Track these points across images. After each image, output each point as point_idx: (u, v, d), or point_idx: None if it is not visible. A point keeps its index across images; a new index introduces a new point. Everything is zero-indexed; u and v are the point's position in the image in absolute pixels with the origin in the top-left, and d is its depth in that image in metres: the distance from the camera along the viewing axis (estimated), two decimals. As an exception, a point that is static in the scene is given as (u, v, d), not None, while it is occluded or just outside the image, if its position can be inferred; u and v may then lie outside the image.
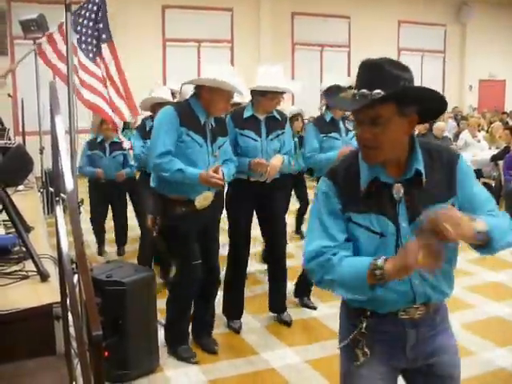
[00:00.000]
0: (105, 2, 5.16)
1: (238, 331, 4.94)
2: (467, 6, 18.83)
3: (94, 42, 5.10)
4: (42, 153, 8.85)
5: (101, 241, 7.31)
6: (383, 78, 1.98)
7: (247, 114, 4.81)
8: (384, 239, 2.08)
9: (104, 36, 5.13)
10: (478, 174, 9.78)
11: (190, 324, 4.58)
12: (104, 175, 6.85)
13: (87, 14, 5.10)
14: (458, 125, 13.63)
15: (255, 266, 6.74)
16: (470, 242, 1.99)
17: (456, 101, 18.50)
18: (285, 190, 6.88)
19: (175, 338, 4.45)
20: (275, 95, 4.71)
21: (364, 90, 2.00)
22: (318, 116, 5.70)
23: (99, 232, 7.30)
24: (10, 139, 5.92)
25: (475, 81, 19.57)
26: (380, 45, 17.46)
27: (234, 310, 5.00)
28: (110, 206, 7.33)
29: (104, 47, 5.14)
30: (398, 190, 2.07)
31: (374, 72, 2.02)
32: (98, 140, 6.99)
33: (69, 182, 1.86)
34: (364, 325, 2.17)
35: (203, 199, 4.21)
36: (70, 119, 4.18)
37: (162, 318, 4.77)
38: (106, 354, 3.84)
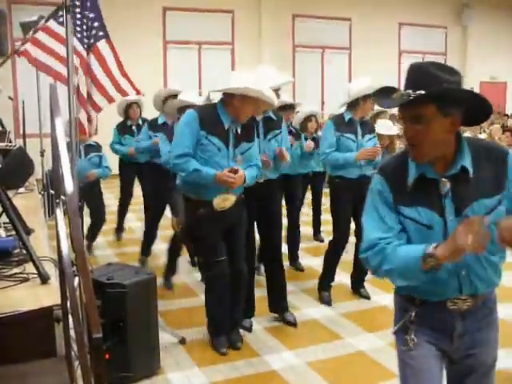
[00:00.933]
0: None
1: (249, 330, 4.97)
2: (468, 9, 18.83)
3: (88, 34, 4.95)
4: (42, 155, 8.86)
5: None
6: (426, 80, 2.09)
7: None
8: (432, 231, 2.21)
9: (101, 33, 4.96)
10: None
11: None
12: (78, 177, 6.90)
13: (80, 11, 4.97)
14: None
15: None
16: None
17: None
18: (295, 190, 6.93)
19: (214, 329, 4.63)
20: (276, 93, 4.75)
21: (409, 91, 2.11)
22: (338, 114, 5.73)
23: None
24: (10, 141, 5.92)
25: (476, 83, 19.56)
26: (381, 47, 17.51)
27: (246, 308, 5.00)
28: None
29: (101, 44, 4.97)
30: (444, 185, 2.20)
31: (419, 74, 2.14)
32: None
33: (69, 185, 1.86)
34: (413, 313, 2.34)
35: (222, 200, 4.31)
36: (71, 121, 4.18)
37: (162, 320, 4.78)
38: (107, 356, 3.84)
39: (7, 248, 2.88)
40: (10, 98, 10.35)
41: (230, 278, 4.56)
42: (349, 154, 5.39)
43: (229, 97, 4.31)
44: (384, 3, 17.40)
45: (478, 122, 2.33)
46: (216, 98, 4.59)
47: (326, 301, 5.65)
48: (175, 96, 6.18)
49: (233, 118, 4.35)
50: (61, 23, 4.87)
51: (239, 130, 4.41)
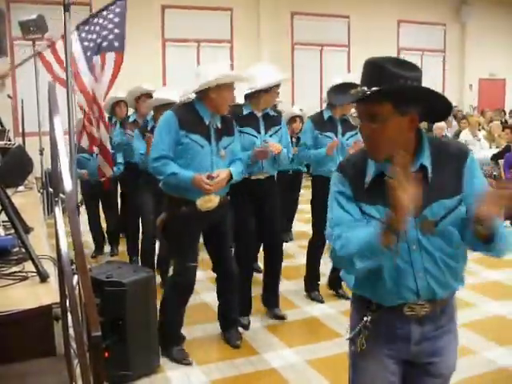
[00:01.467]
0: (125, 8, 4.98)
1: (247, 328, 4.98)
2: (467, 6, 18.80)
3: (99, 41, 4.91)
4: (41, 153, 8.85)
5: (97, 241, 7.35)
6: (381, 77, 2.01)
7: (246, 111, 4.91)
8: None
9: (117, 44, 4.91)
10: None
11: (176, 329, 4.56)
12: (90, 176, 6.89)
13: (105, 19, 4.92)
14: (459, 124, 13.61)
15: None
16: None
17: (456, 100, 18.48)
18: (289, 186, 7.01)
19: (169, 340, 4.46)
20: (276, 89, 4.92)
21: (364, 88, 2.05)
22: (317, 113, 5.76)
23: (95, 232, 7.35)
24: (9, 140, 5.91)
25: (475, 80, 19.55)
26: (379, 44, 17.44)
27: (243, 306, 5.01)
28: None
29: (109, 56, 4.93)
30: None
31: (375, 70, 2.06)
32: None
33: (67, 183, 1.86)
34: (369, 318, 2.22)
35: (205, 201, 4.25)
36: (70, 120, 4.18)
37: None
38: (106, 354, 3.84)
39: (6, 246, 2.88)
40: (9, 96, 10.33)
41: (219, 279, 4.67)
42: (319, 150, 5.43)
43: (203, 91, 4.26)
44: (382, 1, 17.37)
45: (439, 119, 2.29)
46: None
47: (318, 300, 5.67)
48: (148, 95, 6.20)
49: (213, 112, 4.31)
50: (80, 39, 4.89)
51: (219, 125, 4.38)
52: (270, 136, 4.95)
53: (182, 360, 4.38)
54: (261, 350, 4.56)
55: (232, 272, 4.64)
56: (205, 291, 5.87)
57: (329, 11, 16.64)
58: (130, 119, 6.63)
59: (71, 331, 2.17)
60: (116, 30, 4.89)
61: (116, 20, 4.85)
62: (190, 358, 4.41)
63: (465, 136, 11.37)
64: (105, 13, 4.88)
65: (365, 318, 2.24)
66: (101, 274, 3.99)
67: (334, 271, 5.68)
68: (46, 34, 7.31)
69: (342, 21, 17.22)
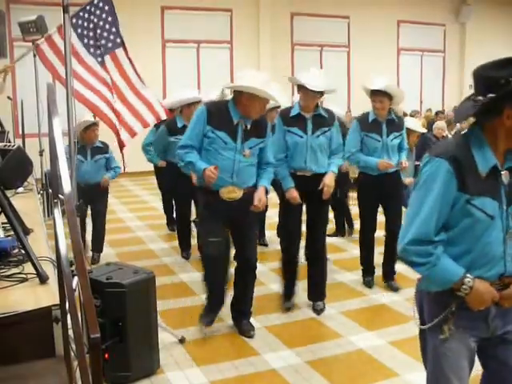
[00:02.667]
0: (112, 5, 5.01)
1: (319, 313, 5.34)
2: (467, 6, 18.82)
3: (103, 43, 4.92)
4: (41, 155, 8.85)
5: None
6: (485, 84, 2.23)
7: (294, 112, 5.21)
8: (492, 222, 2.28)
9: (119, 40, 5.00)
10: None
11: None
12: (80, 180, 6.79)
13: (95, 16, 4.94)
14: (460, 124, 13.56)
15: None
16: None
17: (456, 100, 18.49)
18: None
19: (207, 302, 4.97)
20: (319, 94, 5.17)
21: (479, 97, 2.25)
22: (363, 114, 5.89)
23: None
24: (9, 141, 5.92)
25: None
26: (379, 45, 17.50)
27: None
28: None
29: (119, 52, 5.01)
30: (506, 176, 2.30)
31: (477, 79, 2.28)
32: (78, 146, 6.81)
33: (66, 184, 1.86)
34: (454, 305, 2.36)
35: (227, 192, 4.59)
36: (69, 121, 4.17)
37: (161, 319, 4.79)
38: (107, 356, 3.84)
39: (6, 248, 2.88)
40: (8, 97, 10.33)
41: (238, 268, 4.91)
42: (371, 159, 5.64)
43: (238, 94, 4.56)
44: (382, 1, 17.37)
45: None
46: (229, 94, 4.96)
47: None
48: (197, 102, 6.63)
49: (243, 115, 4.58)
50: (75, 32, 4.88)
51: (249, 126, 4.62)
52: (317, 136, 5.16)
53: (204, 320, 4.87)
54: (261, 351, 4.56)
55: (251, 264, 4.90)
56: (204, 293, 5.85)
57: (328, 12, 16.66)
58: (179, 124, 6.72)
59: (71, 333, 2.17)
60: (113, 29, 4.96)
61: (109, 19, 4.89)
62: (193, 360, 4.40)
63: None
64: (93, 9, 4.87)
65: (451, 306, 2.37)
66: (101, 275, 3.98)
67: (388, 264, 5.96)
68: (45, 34, 7.30)
69: (342, 21, 17.23)
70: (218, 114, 4.57)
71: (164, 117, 5.28)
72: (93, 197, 6.70)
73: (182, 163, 4.80)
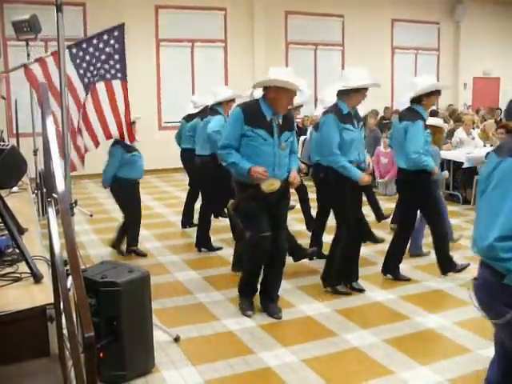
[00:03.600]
0: (123, 38, 5.12)
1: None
2: (461, 4, 18.82)
3: (102, 72, 4.99)
4: (35, 154, 8.85)
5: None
6: None
7: (345, 111, 5.51)
8: None
9: (119, 75, 5.06)
10: (474, 171, 9.79)
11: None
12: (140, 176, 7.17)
13: (100, 50, 4.97)
14: (455, 122, 13.62)
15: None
16: None
17: (451, 98, 18.52)
18: None
19: (243, 291, 5.34)
20: (365, 91, 5.53)
21: None
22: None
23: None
24: (3, 141, 5.91)
25: (469, 78, 19.57)
26: (374, 43, 17.51)
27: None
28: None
29: (116, 83, 5.05)
30: None
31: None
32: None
33: (60, 183, 1.86)
34: None
35: (268, 185, 4.93)
36: (63, 120, 4.17)
37: (156, 318, 4.78)
38: (102, 355, 3.84)
39: (0, 247, 2.88)
40: (2, 97, 10.32)
41: (271, 253, 5.14)
42: (431, 160, 5.90)
43: (266, 91, 4.97)
44: (377, 0, 17.39)
45: None
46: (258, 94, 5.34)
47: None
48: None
49: (273, 110, 4.95)
50: (72, 59, 4.90)
51: (281, 121, 5.02)
52: (360, 129, 5.65)
53: (246, 311, 5.23)
54: (256, 350, 4.56)
55: (283, 249, 5.33)
56: (199, 291, 5.87)
57: (323, 10, 16.65)
58: None
59: (65, 332, 2.17)
60: (117, 66, 5.06)
61: (116, 57, 4.99)
62: (188, 359, 4.41)
63: (459, 135, 11.37)
64: (105, 37, 4.91)
65: None
66: (95, 274, 3.98)
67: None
68: (39, 34, 7.28)
69: (336, 20, 17.23)
70: (253, 113, 4.93)
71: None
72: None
73: (224, 163, 5.07)
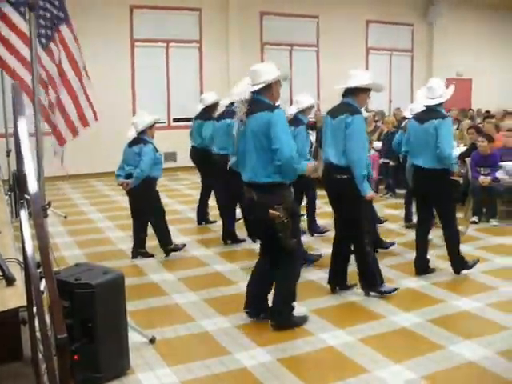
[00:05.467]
0: None
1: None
2: (434, 6, 18.99)
3: (48, 24, 4.63)
4: (8, 155, 8.75)
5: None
6: None
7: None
8: None
9: (62, 15, 4.71)
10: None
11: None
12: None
13: None
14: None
15: (226, 266, 6.74)
16: None
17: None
18: None
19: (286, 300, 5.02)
20: (369, 92, 5.77)
21: None
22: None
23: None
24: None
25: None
26: (348, 44, 17.60)
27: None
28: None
29: (63, 28, 4.72)
30: None
31: None
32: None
33: (32, 185, 1.84)
34: None
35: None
36: (36, 121, 4.13)
37: (131, 320, 4.76)
38: (76, 357, 3.81)
39: (-28, 250, 2.84)
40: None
41: None
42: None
43: (270, 87, 4.81)
44: (351, 1, 17.46)
45: None
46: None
47: None
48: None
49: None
50: (21, 13, 4.59)
51: None
52: None
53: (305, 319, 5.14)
54: (232, 350, 4.56)
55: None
56: (175, 292, 5.86)
57: (298, 11, 16.70)
58: None
59: (39, 335, 2.15)
60: (56, 2, 4.69)
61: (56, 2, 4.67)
62: (164, 360, 4.39)
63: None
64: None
65: None
66: (70, 276, 3.95)
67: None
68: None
69: (311, 21, 17.29)
70: None
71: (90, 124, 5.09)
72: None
73: (297, 166, 4.82)
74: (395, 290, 5.70)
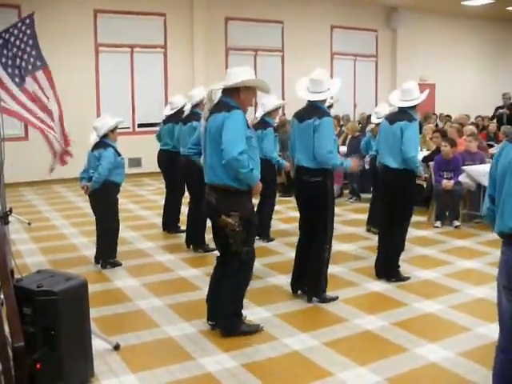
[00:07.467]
0: (34, 26, 4.89)
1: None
2: (397, 12, 19.23)
3: (24, 65, 4.76)
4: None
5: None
6: None
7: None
8: None
9: (39, 63, 4.83)
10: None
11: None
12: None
13: (16, 37, 4.79)
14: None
15: (190, 272, 6.72)
16: None
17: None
18: None
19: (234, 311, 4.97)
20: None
21: None
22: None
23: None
24: None
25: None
26: (313, 49, 17.72)
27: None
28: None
29: (39, 74, 4.83)
30: None
31: None
32: None
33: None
34: None
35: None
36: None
37: (95, 326, 4.73)
38: (38, 366, 3.76)
39: None
40: None
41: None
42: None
43: (236, 90, 4.76)
44: (316, 6, 17.56)
45: None
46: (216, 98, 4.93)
47: None
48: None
49: (243, 110, 4.79)
50: None
51: None
52: None
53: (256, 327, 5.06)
54: (196, 355, 4.55)
55: None
56: (139, 298, 5.83)
57: (263, 16, 16.75)
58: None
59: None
60: (33, 52, 4.80)
61: (30, 42, 4.77)
62: (128, 367, 4.37)
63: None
64: (16, 31, 4.74)
65: None
66: (32, 283, 3.89)
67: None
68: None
69: (276, 26, 17.36)
70: None
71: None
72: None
73: (244, 170, 4.58)
74: (337, 298, 5.73)
